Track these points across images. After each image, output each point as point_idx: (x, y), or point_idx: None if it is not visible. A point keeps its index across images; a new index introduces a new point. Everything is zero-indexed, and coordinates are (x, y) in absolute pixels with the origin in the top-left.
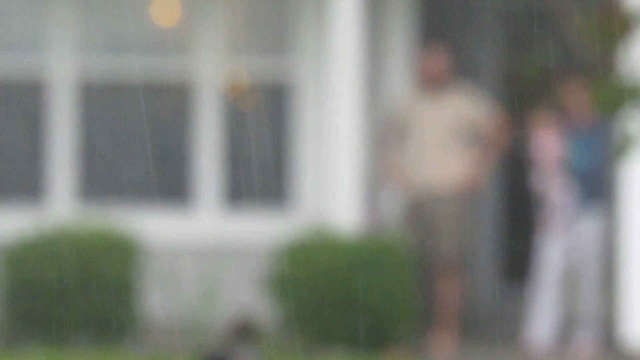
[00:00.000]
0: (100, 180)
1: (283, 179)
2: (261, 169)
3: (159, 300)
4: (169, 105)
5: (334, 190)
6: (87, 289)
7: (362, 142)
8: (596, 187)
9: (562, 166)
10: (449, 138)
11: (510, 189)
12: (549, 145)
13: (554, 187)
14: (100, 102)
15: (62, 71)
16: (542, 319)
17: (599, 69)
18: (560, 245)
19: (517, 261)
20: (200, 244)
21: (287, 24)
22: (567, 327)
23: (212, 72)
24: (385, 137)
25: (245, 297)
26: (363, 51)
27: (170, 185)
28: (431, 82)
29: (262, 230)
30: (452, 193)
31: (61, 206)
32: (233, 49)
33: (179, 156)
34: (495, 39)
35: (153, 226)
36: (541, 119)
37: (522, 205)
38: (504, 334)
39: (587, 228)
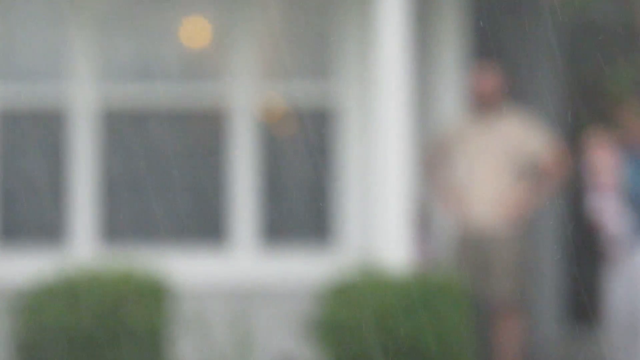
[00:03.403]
0: (126, 218)
1: (326, 213)
2: (302, 203)
3: (191, 348)
4: (200, 135)
5: (382, 224)
6: (112, 336)
7: (412, 171)
8: None
9: (619, 191)
10: (501, 168)
11: (568, 215)
12: (605, 168)
13: (609, 215)
14: (126, 133)
15: (84, 100)
16: None
17: None
18: (622, 281)
19: (582, 298)
20: (235, 285)
21: (329, 45)
22: None
23: (247, 98)
24: (431, 162)
25: (285, 343)
26: (411, 73)
27: (203, 222)
28: (483, 105)
29: (303, 269)
30: (506, 228)
31: (83, 246)
32: (270, 72)
33: (211, 190)
34: (557, 55)
35: (183, 267)
36: (599, 139)
37: (582, 234)
38: None
39: None
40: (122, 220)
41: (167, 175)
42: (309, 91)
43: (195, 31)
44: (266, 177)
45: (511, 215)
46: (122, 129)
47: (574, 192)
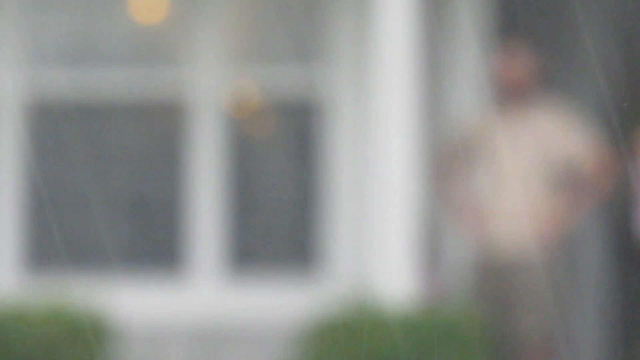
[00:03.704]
0: (58, 238)
1: (310, 232)
2: (280, 220)
3: None
4: (154, 133)
5: (380, 247)
6: None
7: (418, 180)
8: None
9: None
10: (534, 175)
11: (615, 233)
12: None
13: None
14: (59, 130)
15: (6, 90)
16: None
17: None
18: None
19: (633, 333)
20: (196, 324)
21: (316, 20)
22: None
23: (213, 88)
24: (444, 168)
25: None
26: (419, 56)
27: (156, 244)
28: (510, 96)
29: (281, 303)
30: (539, 251)
31: (4, 275)
32: (242, 55)
33: (168, 203)
34: (603, 34)
35: (131, 300)
36: None
37: (632, 255)
38: None
39: None
40: (52, 242)
41: (112, 185)
42: (290, 79)
43: (148, 4)
44: (236, 186)
45: (545, 235)
46: (54, 125)
47: (622, 204)
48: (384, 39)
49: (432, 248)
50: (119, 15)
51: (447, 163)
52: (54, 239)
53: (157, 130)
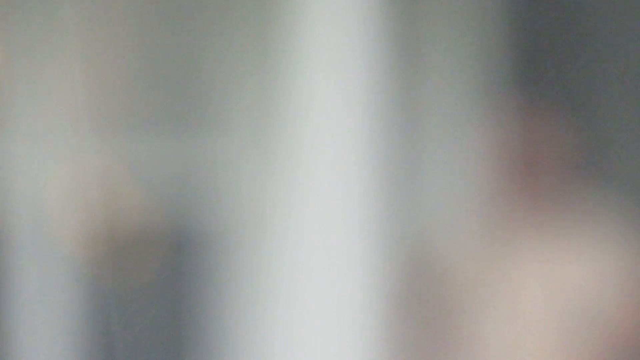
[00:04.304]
0: None
1: None
2: None
3: None
4: None
5: None
6: None
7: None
8: None
9: None
10: (569, 332)
11: None
12: None
13: None
14: None
15: None
16: None
17: None
18: None
19: None
20: None
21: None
22: None
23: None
24: (415, 305)
25: None
26: (369, 119)
27: None
28: (523, 190)
29: None
30: None
31: None
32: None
33: None
34: None
35: None
36: None
37: None
38: None
39: None
40: None
41: None
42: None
43: None
44: None
45: None
46: None
47: None
48: (306, 90)
49: None
50: None
51: (418, 296)
52: None
53: None
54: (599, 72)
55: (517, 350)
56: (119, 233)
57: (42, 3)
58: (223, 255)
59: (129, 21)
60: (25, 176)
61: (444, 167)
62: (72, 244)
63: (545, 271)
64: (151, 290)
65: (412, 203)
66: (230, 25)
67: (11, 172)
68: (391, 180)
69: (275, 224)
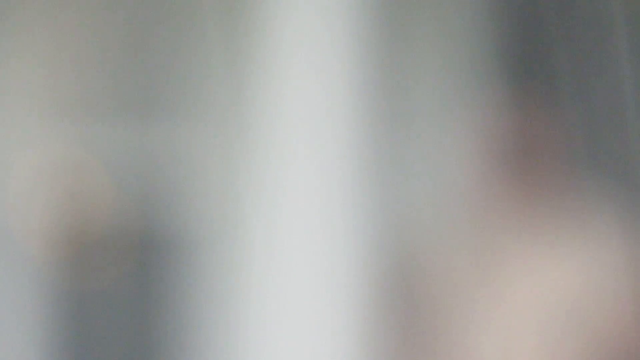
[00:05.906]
0: None
1: None
2: None
3: None
4: None
5: None
6: None
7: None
8: None
9: None
10: (546, 331)
11: None
12: None
13: None
14: None
15: None
16: None
17: None
18: None
19: None
20: None
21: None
22: None
23: None
24: (399, 310)
25: None
26: (350, 116)
27: None
28: (519, 188)
29: None
30: None
31: None
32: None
33: None
34: None
35: None
36: None
37: None
38: None
39: None
40: None
41: None
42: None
43: None
44: None
45: None
46: None
47: None
48: (284, 86)
49: None
50: None
51: (404, 301)
52: None
53: None
54: (591, 67)
55: (507, 351)
56: (84, 227)
57: None
58: (194, 252)
59: (98, 5)
60: None
61: (432, 164)
62: (35, 239)
63: (537, 270)
64: (119, 291)
65: (399, 201)
66: (208, 14)
67: None
68: (376, 178)
69: (251, 220)
